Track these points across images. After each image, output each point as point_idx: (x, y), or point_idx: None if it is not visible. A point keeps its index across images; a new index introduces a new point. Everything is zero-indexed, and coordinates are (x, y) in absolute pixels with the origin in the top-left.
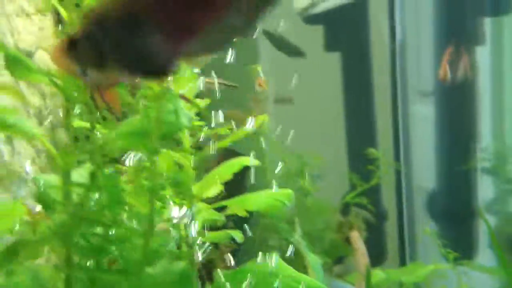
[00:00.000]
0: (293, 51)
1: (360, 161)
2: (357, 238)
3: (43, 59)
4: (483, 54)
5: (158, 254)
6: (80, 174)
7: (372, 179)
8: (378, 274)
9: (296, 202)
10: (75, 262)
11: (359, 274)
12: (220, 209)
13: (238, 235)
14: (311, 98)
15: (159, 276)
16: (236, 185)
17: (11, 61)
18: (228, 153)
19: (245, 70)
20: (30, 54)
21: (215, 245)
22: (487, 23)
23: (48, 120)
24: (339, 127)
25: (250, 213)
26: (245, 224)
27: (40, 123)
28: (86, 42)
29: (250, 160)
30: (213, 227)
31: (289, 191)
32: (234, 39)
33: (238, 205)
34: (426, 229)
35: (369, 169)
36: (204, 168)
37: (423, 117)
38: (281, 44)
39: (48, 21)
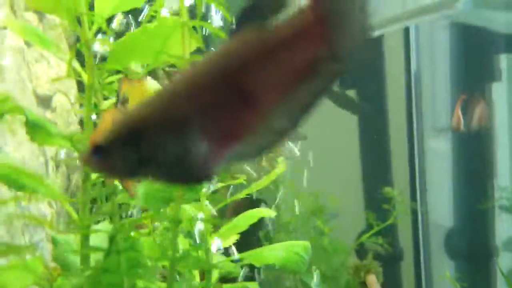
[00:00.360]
0: (356, 107)
1: (376, 200)
2: (375, 283)
3: (61, 102)
4: (499, 90)
5: None
6: (99, 237)
7: (388, 218)
8: None
9: (311, 241)
10: None
11: None
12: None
13: (254, 286)
14: (327, 136)
15: None
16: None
17: (32, 127)
18: (244, 200)
19: None
20: (48, 99)
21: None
22: (503, 59)
23: (65, 165)
24: (355, 165)
25: None
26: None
27: (57, 167)
28: (115, 149)
29: (268, 212)
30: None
31: (306, 243)
32: (279, 142)
33: (254, 259)
34: (447, 273)
35: (385, 208)
36: (221, 214)
37: (440, 154)
38: (344, 102)
39: (65, 66)
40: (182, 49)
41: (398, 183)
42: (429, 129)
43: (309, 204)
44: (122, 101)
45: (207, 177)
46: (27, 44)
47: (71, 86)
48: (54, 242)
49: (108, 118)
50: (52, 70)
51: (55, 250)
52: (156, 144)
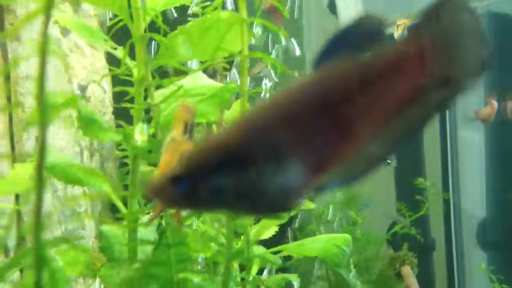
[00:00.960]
0: None
1: (408, 191)
2: (410, 274)
3: (95, 92)
4: None
5: None
6: (146, 230)
7: (420, 209)
8: None
9: (344, 232)
10: None
11: None
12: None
13: (295, 279)
14: None
15: None
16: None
17: (85, 121)
18: None
19: None
20: (83, 88)
21: None
22: None
23: (99, 154)
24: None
25: None
26: None
27: (91, 155)
28: (202, 180)
29: (307, 204)
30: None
31: (347, 236)
32: (373, 169)
33: (295, 250)
34: (482, 265)
35: (417, 199)
36: None
37: (473, 144)
38: None
39: (99, 54)
40: (239, 46)
41: (430, 173)
42: (462, 119)
43: (341, 195)
44: (189, 129)
45: (295, 206)
46: (63, 34)
47: (105, 76)
48: (100, 233)
49: (174, 148)
50: (86, 60)
51: (102, 242)
52: (245, 173)
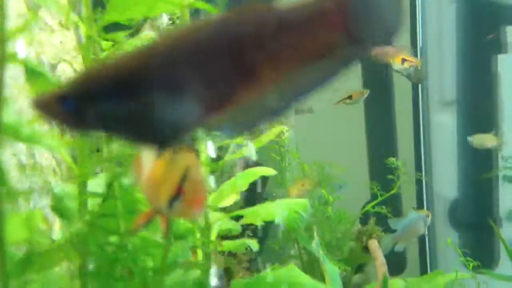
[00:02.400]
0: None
1: (381, 170)
2: (376, 247)
3: (65, 71)
4: (505, 62)
5: (174, 264)
6: (97, 184)
7: (392, 188)
8: (397, 283)
9: (316, 211)
10: (89, 271)
11: (378, 283)
12: (237, 218)
13: (254, 244)
14: (331, 107)
15: (174, 285)
16: (254, 195)
17: (31, 74)
18: (246, 164)
19: None
20: (53, 66)
21: (234, 255)
22: (509, 31)
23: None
24: (360, 135)
25: (269, 222)
26: (264, 233)
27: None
28: (78, 103)
29: (267, 170)
30: (230, 236)
31: (305, 201)
32: (265, 120)
33: (254, 215)
34: (448, 240)
35: (390, 179)
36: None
37: (445, 126)
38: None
39: (70, 34)
40: None
41: (403, 154)
42: (435, 102)
43: (314, 175)
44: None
45: (179, 140)
46: (29, 10)
47: (76, 56)
48: (52, 192)
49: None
50: (55, 38)
51: (53, 201)
52: (137, 100)
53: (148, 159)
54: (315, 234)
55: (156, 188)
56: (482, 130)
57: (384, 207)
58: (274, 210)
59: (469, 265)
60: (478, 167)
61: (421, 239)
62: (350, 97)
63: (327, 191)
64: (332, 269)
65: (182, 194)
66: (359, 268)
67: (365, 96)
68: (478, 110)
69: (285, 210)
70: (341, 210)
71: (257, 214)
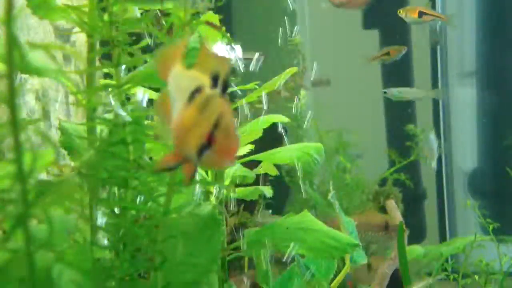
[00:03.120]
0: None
1: (399, 138)
2: (394, 207)
3: (80, 37)
4: None
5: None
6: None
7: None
8: (416, 249)
9: (334, 179)
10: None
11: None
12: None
13: (268, 191)
14: (350, 76)
15: (184, 219)
16: None
17: (34, 1)
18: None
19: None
20: (68, 31)
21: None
22: None
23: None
24: (379, 105)
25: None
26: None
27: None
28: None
29: (281, 118)
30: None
31: (319, 144)
32: None
33: (268, 159)
34: (468, 202)
35: (408, 146)
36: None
37: (464, 97)
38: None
39: None
40: None
41: (421, 122)
42: (454, 72)
43: (331, 142)
44: (221, 85)
45: None
46: None
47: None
48: (61, 128)
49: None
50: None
51: (62, 136)
52: None
53: (178, 101)
54: (331, 187)
55: (185, 135)
56: (501, 101)
57: (402, 173)
58: (288, 154)
59: (489, 227)
60: (498, 137)
61: (440, 209)
62: (388, 53)
63: (345, 158)
64: (348, 221)
65: (213, 142)
66: None
67: (403, 52)
68: (497, 81)
69: (298, 153)
70: (359, 177)
71: (272, 157)
